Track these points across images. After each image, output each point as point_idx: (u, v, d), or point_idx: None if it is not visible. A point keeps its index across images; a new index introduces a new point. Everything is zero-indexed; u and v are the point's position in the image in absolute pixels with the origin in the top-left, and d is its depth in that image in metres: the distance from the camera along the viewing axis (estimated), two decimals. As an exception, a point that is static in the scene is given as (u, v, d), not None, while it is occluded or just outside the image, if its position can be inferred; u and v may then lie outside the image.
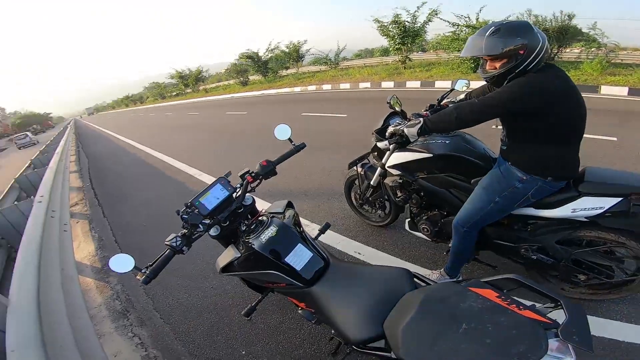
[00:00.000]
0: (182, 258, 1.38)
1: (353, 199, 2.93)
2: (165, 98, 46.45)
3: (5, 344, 1.23)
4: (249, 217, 1.52)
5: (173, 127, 14.55)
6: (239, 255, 1.34)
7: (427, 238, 2.18)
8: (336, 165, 4.66)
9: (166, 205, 4.76)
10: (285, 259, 1.24)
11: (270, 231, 1.29)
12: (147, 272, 1.21)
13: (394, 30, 13.37)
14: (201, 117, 15.45)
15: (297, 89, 17.11)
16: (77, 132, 22.85)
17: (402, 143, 1.79)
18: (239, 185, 1.51)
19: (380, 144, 2.19)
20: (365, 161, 2.60)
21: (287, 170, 4.80)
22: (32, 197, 3.25)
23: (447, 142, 1.91)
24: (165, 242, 1.28)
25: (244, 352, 2.05)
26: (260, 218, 1.44)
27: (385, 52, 26.45)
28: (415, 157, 2.00)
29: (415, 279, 1.22)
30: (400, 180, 2.18)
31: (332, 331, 1.32)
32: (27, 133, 37.99)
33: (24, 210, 3.01)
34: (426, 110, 2.22)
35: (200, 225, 1.33)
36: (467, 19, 10.81)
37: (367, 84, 13.05)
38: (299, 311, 1.45)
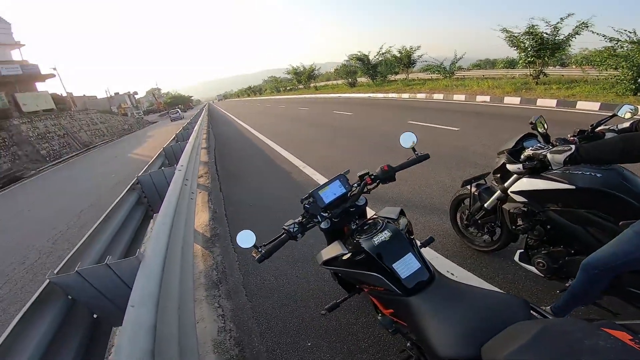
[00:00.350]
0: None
1: (458, 218, 2.77)
2: (280, 92, 50.96)
3: (129, 298, 1.42)
4: (358, 217, 1.55)
5: (285, 118, 15.90)
6: (346, 252, 1.35)
7: (540, 274, 1.97)
8: (441, 180, 4.31)
9: (271, 189, 5.21)
10: (393, 265, 1.21)
11: (384, 235, 1.27)
12: (263, 251, 1.33)
13: (527, 42, 12.05)
14: (310, 113, 16.42)
15: (405, 96, 16.59)
16: (210, 114, 27.00)
17: (537, 169, 1.67)
18: (356, 185, 1.55)
19: (512, 167, 1.95)
20: (482, 182, 2.45)
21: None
22: (174, 165, 3.88)
23: (598, 175, 1.64)
24: (283, 227, 1.41)
25: (309, 344, 2.08)
26: (374, 220, 1.43)
27: (510, 64, 23.52)
28: (551, 187, 1.78)
29: (532, 312, 1.08)
30: (525, 209, 1.97)
31: (408, 344, 1.30)
32: (178, 110, 47.28)
33: (167, 176, 3.62)
34: (574, 136, 1.98)
35: (318, 217, 1.43)
36: (631, 34, 8.83)
37: (486, 98, 11.77)
38: (379, 317, 1.43)
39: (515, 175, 1.93)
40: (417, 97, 15.51)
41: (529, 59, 12.25)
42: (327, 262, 1.45)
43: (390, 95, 17.99)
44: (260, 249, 1.35)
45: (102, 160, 15.47)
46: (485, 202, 2.25)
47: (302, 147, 8.07)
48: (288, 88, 47.94)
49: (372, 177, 1.55)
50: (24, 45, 28.96)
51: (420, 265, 1.21)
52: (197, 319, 2.45)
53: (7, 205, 9.57)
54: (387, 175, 1.55)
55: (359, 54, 23.90)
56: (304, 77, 37.56)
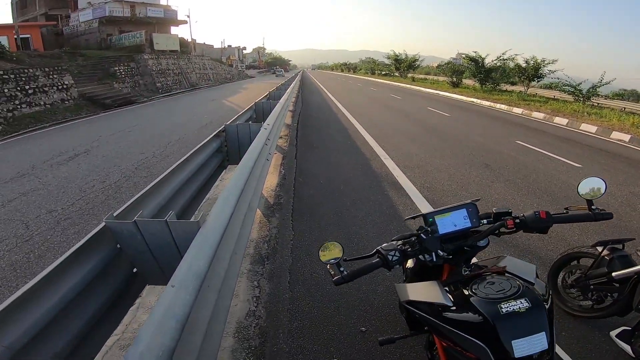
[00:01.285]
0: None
1: (561, 275, 2.41)
2: (374, 74, 49.62)
3: (180, 258, 1.28)
4: (467, 261, 1.20)
5: (374, 101, 15.28)
6: (450, 304, 1.04)
7: (633, 355, 1.81)
8: (555, 226, 3.46)
9: (346, 171, 4.92)
10: (513, 341, 0.91)
11: (519, 304, 0.95)
12: (345, 273, 1.06)
13: None
14: (402, 103, 15.49)
15: (517, 111, 14.44)
16: (302, 81, 27.56)
17: None
18: (485, 222, 1.23)
19: None
20: (619, 247, 2.08)
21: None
22: (261, 123, 3.78)
23: None
24: (380, 249, 1.12)
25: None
26: (501, 274, 1.08)
27: None
28: None
29: None
30: None
31: None
32: (281, 69, 55.82)
33: (252, 130, 3.55)
34: None
35: (433, 254, 1.13)
36: None
37: (625, 137, 9.47)
38: None
39: None
40: (533, 115, 13.35)
41: None
42: (413, 303, 1.15)
43: (499, 105, 15.87)
44: (342, 269, 1.06)
45: (201, 100, 16.93)
46: (615, 271, 1.96)
47: (387, 137, 7.52)
48: (383, 72, 46.40)
49: (518, 222, 1.18)
50: (170, -10, 32.79)
51: (547, 347, 0.91)
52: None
53: (115, 123, 11.02)
54: (540, 225, 1.17)
55: (473, 54, 21.56)
56: (404, 65, 35.74)
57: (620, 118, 11.79)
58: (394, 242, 1.16)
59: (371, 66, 54.04)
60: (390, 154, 5.95)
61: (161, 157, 6.20)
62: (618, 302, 2.05)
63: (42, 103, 13.05)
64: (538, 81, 20.23)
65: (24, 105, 12.30)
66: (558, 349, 1.92)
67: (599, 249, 2.11)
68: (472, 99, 18.38)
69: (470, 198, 4.00)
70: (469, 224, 1.18)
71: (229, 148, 3.64)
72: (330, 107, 12.54)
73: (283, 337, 1.99)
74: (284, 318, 2.14)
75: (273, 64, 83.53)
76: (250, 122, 3.69)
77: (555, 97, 17.76)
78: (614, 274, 1.97)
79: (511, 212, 1.21)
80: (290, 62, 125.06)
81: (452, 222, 1.18)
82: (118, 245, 1.58)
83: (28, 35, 21.63)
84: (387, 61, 41.58)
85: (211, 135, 3.29)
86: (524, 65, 19.54)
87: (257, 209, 3.54)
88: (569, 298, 2.36)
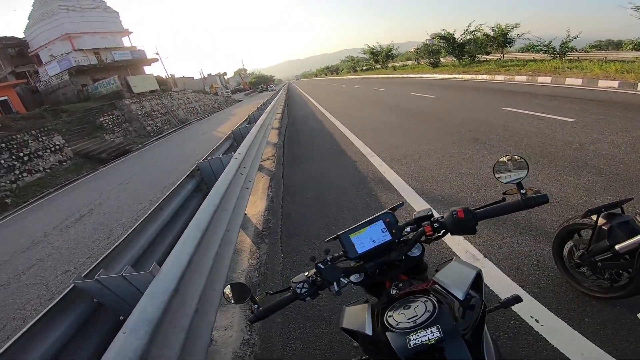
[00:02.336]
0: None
1: (565, 251, 2.06)
2: (357, 71, 49.76)
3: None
4: (409, 271, 1.07)
5: (358, 99, 15.27)
6: (370, 334, 0.91)
7: None
8: (546, 187, 3.31)
9: (332, 179, 4.89)
10: None
11: (428, 335, 0.78)
12: (258, 310, 1.05)
13: None
14: (385, 94, 15.46)
15: (500, 78, 14.30)
16: (288, 93, 27.73)
17: None
18: (408, 230, 1.08)
19: None
20: (617, 211, 1.74)
21: (471, 178, 3.87)
22: (232, 153, 3.78)
23: None
24: (292, 281, 1.09)
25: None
26: (422, 294, 0.92)
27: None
28: None
29: None
30: None
31: None
32: (272, 85, 60.41)
33: (224, 162, 3.55)
34: None
35: (334, 284, 1.04)
36: None
37: (613, 83, 9.27)
38: None
39: None
40: (516, 79, 13.19)
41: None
42: (346, 330, 1.02)
43: (481, 76, 15.74)
44: (257, 305, 1.04)
45: (192, 136, 17.13)
46: (618, 243, 1.63)
47: (372, 133, 7.48)
48: (365, 68, 46.51)
49: (436, 226, 1.03)
50: (132, 32, 33.53)
51: None
52: (226, 324, 2.33)
53: (113, 177, 11.20)
54: (462, 225, 1.01)
55: (442, 32, 21.60)
56: (382, 57, 35.85)
57: (602, 67, 11.61)
58: (307, 273, 1.09)
59: (352, 64, 54.25)
60: (376, 150, 5.90)
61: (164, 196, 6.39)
62: (635, 279, 1.71)
63: (41, 169, 13.30)
64: (510, 46, 20.24)
65: (25, 174, 12.54)
66: (583, 339, 1.72)
67: (594, 217, 1.79)
68: (454, 75, 18.28)
69: (461, 179, 3.99)
70: (388, 237, 1.05)
71: (208, 186, 3.64)
72: (316, 116, 12.57)
73: (277, 362, 1.98)
74: (277, 343, 2.13)
75: (257, 83, 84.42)
76: (221, 155, 3.68)
77: (534, 58, 17.64)
78: (617, 246, 1.65)
79: (431, 215, 1.07)
80: (274, 77, 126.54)
81: (369, 239, 1.06)
82: (95, 300, 1.69)
83: (5, 97, 21.56)
84: (365, 56, 41.75)
85: (183, 177, 3.29)
86: (491, 34, 19.63)
87: (248, 237, 3.54)
88: (583, 278, 2.01)
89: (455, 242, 2.72)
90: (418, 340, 0.77)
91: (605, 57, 15.52)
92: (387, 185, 4.22)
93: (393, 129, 7.51)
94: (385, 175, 4.57)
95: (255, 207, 4.36)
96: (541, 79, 11.97)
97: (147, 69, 33.66)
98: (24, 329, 1.34)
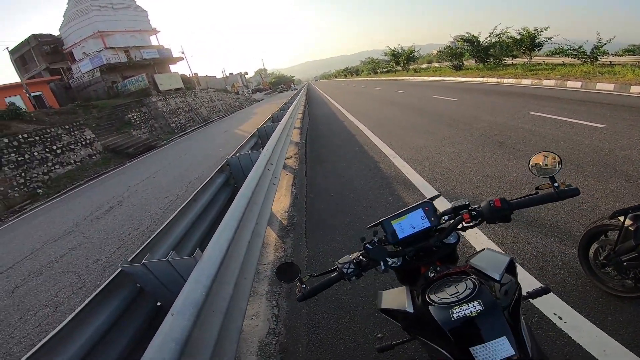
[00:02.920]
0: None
1: (591, 252, 2.13)
2: (377, 73, 49.47)
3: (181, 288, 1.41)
4: (443, 258, 1.15)
5: (379, 101, 15.24)
6: (411, 311, 1.00)
7: None
8: (583, 195, 3.32)
9: (355, 179, 4.96)
10: (472, 348, 0.82)
11: (470, 308, 0.85)
12: (306, 290, 1.12)
13: None
14: (407, 96, 15.36)
15: (527, 82, 13.91)
16: (308, 94, 27.94)
17: None
18: (446, 218, 1.16)
19: None
20: None
21: (505, 182, 3.86)
22: (260, 149, 3.93)
23: None
24: (337, 263, 1.16)
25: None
26: (461, 275, 1.00)
27: None
28: None
29: None
30: None
31: None
32: (293, 85, 63.24)
33: (253, 159, 3.69)
34: None
35: (381, 263, 1.11)
36: None
37: (648, 88, 8.89)
38: None
39: None
40: (544, 84, 12.81)
41: None
42: (386, 311, 1.13)
43: (506, 80, 15.36)
44: (304, 285, 1.13)
45: (214, 133, 17.58)
46: None
47: (394, 134, 7.50)
48: (385, 70, 46.16)
49: (474, 214, 1.12)
50: (160, 31, 34.53)
51: (514, 353, 0.80)
52: (252, 314, 2.41)
53: (140, 171, 11.66)
54: (498, 214, 1.09)
55: (466, 35, 21.18)
56: (403, 59, 35.48)
57: (635, 72, 11.10)
58: (351, 255, 1.17)
59: (372, 66, 53.90)
60: (398, 151, 5.93)
61: (184, 198, 6.56)
62: None
63: (72, 161, 14.01)
64: (538, 50, 19.57)
65: (57, 166, 13.24)
66: (606, 337, 1.76)
67: (621, 219, 1.86)
68: (478, 79, 17.91)
69: (485, 182, 3.99)
70: (427, 224, 1.13)
71: (236, 180, 3.80)
72: (337, 116, 12.66)
73: (302, 351, 2.07)
74: (303, 333, 2.21)
75: (277, 83, 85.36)
76: (249, 151, 3.83)
77: (564, 62, 17.01)
78: None
79: (469, 204, 1.15)
80: (294, 77, 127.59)
81: (409, 225, 1.14)
82: (138, 285, 1.79)
83: (40, 93, 22.72)
84: (386, 58, 41.47)
85: (214, 172, 3.46)
86: (518, 37, 19.05)
87: (273, 232, 3.66)
88: (607, 278, 2.08)
89: (479, 242, 2.75)
90: (461, 313, 0.84)
91: (639, 62, 14.84)
92: (410, 186, 4.26)
93: (415, 131, 7.50)
94: (408, 177, 4.60)
95: (280, 203, 4.48)
96: (570, 84, 11.58)
97: (173, 68, 34.68)
98: (73, 314, 1.42)
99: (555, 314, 1.93)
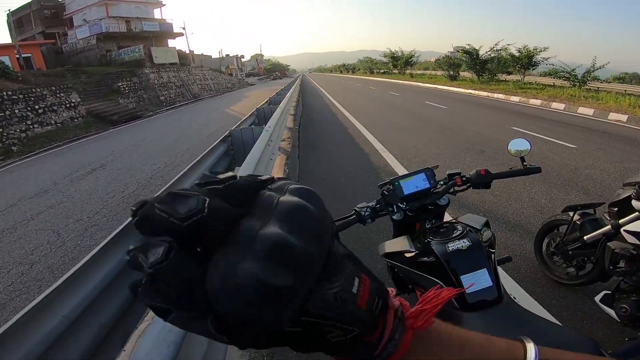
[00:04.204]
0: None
1: (545, 244, 2.55)
2: (373, 73, 49.82)
3: None
4: (435, 217, 1.42)
5: (373, 99, 15.54)
6: (413, 250, 1.24)
7: (617, 318, 1.85)
8: (536, 197, 3.73)
9: (346, 167, 5.19)
10: (461, 277, 1.08)
11: (461, 243, 1.12)
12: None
13: None
14: (401, 99, 15.72)
15: (515, 99, 14.57)
16: (302, 85, 27.90)
17: None
18: (442, 183, 1.42)
19: (638, 204, 1.76)
20: (590, 211, 2.25)
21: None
22: (263, 125, 4.09)
23: None
24: (355, 208, 1.33)
25: None
26: (452, 224, 1.28)
27: None
28: None
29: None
30: (634, 252, 1.82)
31: None
32: (280, 75, 64.02)
33: (255, 134, 3.86)
34: None
35: (394, 207, 1.33)
36: None
37: (622, 117, 9.58)
38: None
39: (637, 213, 1.75)
40: (530, 102, 13.48)
41: None
42: (389, 255, 1.37)
43: (496, 95, 16.01)
44: None
45: (204, 111, 17.37)
46: (586, 234, 2.07)
47: (385, 131, 7.79)
48: (382, 71, 46.57)
49: (464, 179, 1.39)
50: (165, 5, 33.53)
51: (491, 284, 1.07)
52: None
53: (125, 138, 11.43)
54: (482, 180, 1.37)
55: (467, 46, 21.74)
56: (401, 62, 35.90)
57: (617, 100, 11.88)
58: (368, 203, 1.36)
59: (369, 65, 54.13)
60: (388, 147, 6.22)
61: (172, 167, 6.56)
62: (596, 266, 2.14)
63: (53, 122, 13.54)
64: (533, 69, 20.33)
65: (36, 125, 12.77)
66: (551, 318, 2.03)
67: (570, 214, 2.24)
68: (470, 91, 18.52)
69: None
70: (427, 185, 1.36)
71: (235, 151, 3.95)
72: (330, 109, 12.85)
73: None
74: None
75: (272, 70, 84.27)
76: (252, 126, 3.99)
77: (554, 84, 17.83)
78: (585, 237, 2.07)
79: (461, 172, 1.41)
80: (289, 66, 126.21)
81: (414, 185, 1.36)
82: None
83: (29, 55, 22.17)
84: (384, 59, 41.78)
85: (218, 140, 3.60)
86: (517, 54, 19.67)
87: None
88: (555, 267, 2.46)
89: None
90: (455, 247, 1.11)
91: (625, 90, 15.77)
92: (397, 178, 4.55)
93: (406, 131, 7.82)
94: (395, 169, 4.90)
95: (272, 180, 4.67)
96: (555, 105, 12.27)
97: (171, 42, 33.81)
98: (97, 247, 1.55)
99: (510, 294, 2.24)
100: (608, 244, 1.92)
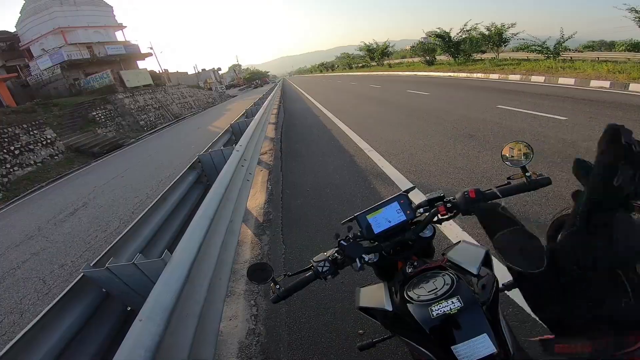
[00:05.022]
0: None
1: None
2: (352, 68, 49.77)
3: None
4: (419, 252, 1.12)
5: (354, 95, 15.32)
6: (390, 309, 0.97)
7: None
8: (549, 187, 3.47)
9: (331, 174, 4.92)
10: (453, 347, 0.80)
11: (449, 305, 0.83)
12: (280, 291, 1.07)
13: None
14: (382, 91, 15.53)
15: (494, 77, 14.47)
16: (284, 89, 27.61)
17: None
18: (421, 211, 1.13)
19: None
20: None
21: (474, 172, 3.96)
22: (233, 145, 3.81)
23: None
24: (312, 261, 1.11)
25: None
26: (439, 270, 0.97)
27: (635, 47, 19.03)
28: None
29: None
30: None
31: None
32: (261, 83, 65.14)
33: (225, 155, 3.57)
34: None
35: (357, 260, 1.06)
36: None
37: (605, 83, 9.47)
38: None
39: None
40: (510, 78, 13.38)
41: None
42: (365, 310, 1.10)
43: (476, 75, 15.91)
44: (278, 286, 1.07)
45: (186, 131, 17.01)
46: None
47: (369, 128, 7.54)
48: (360, 65, 46.55)
49: (449, 205, 1.09)
50: (126, 27, 33.08)
51: (495, 351, 0.79)
52: (231, 315, 2.34)
53: (107, 171, 11.06)
54: (473, 205, 1.06)
55: (438, 30, 21.76)
56: (377, 54, 35.88)
57: (594, 67, 11.82)
58: (327, 252, 1.12)
59: (347, 61, 54.10)
60: (374, 145, 5.97)
61: (155, 197, 6.27)
62: None
63: (32, 162, 13.09)
64: (505, 46, 20.51)
65: (16, 168, 12.33)
66: None
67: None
68: (449, 74, 18.43)
69: (458, 174, 4.08)
70: (403, 217, 1.09)
71: (208, 177, 3.66)
72: (313, 111, 12.59)
73: (284, 351, 2.01)
74: (283, 332, 2.16)
75: (252, 79, 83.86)
76: (222, 148, 3.70)
77: (528, 58, 17.90)
78: None
79: (443, 196, 1.13)
80: (269, 73, 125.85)
81: (385, 219, 1.10)
82: (104, 290, 1.69)
83: None
84: (361, 53, 41.75)
85: (185, 169, 3.31)
86: (487, 33, 19.81)
87: (249, 229, 3.57)
88: None
89: (454, 234, 2.80)
90: (440, 311, 0.81)
91: (598, 58, 15.82)
92: (386, 179, 4.29)
93: (390, 125, 7.58)
94: (383, 169, 4.64)
95: (255, 199, 4.38)
96: (534, 78, 12.16)
97: (141, 64, 33.36)
98: (34, 321, 1.34)
99: (524, 339, 1.98)
100: None
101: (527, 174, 1.07)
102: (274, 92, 17.04)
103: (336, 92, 19.48)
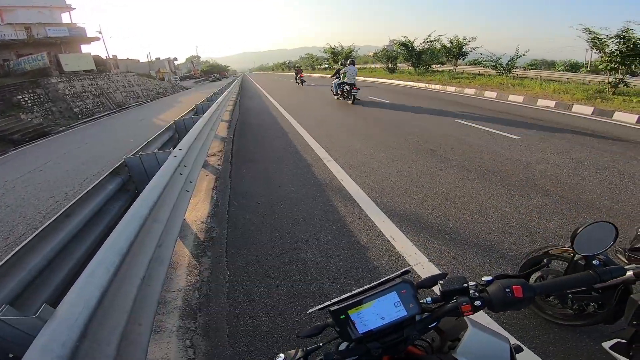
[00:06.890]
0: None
1: (533, 279, 1.99)
2: (315, 69, 49.62)
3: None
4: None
5: (315, 97, 14.93)
6: None
7: None
8: (500, 207, 3.36)
9: (286, 184, 4.43)
10: None
11: None
12: None
13: (615, 46, 10.62)
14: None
15: (451, 89, 15.04)
16: (242, 85, 26.42)
17: None
18: (429, 300, 0.81)
19: None
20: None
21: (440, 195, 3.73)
22: (170, 149, 3.16)
23: None
24: None
25: None
26: None
27: (572, 67, 21.24)
28: None
29: None
30: None
31: None
32: (219, 76, 62.36)
33: (160, 160, 2.92)
34: None
35: None
36: None
37: (550, 103, 10.19)
38: None
39: None
40: (465, 92, 13.96)
41: (612, 65, 10.74)
42: None
43: (434, 86, 16.44)
44: None
45: (128, 121, 15.36)
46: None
47: (329, 135, 7.16)
48: (323, 67, 46.54)
49: (477, 303, 0.76)
50: (74, 8, 29.81)
51: None
52: (159, 356, 1.83)
53: (25, 162, 9.48)
54: (516, 305, 0.76)
55: (403, 39, 22.29)
56: (341, 58, 36.13)
57: (542, 86, 12.76)
58: (292, 352, 0.76)
59: (311, 62, 53.87)
60: (333, 154, 5.59)
61: (75, 199, 5.29)
62: (604, 311, 1.73)
63: None
64: (463, 59, 21.60)
65: None
66: None
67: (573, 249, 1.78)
68: (409, 83, 18.90)
69: (421, 193, 3.80)
70: (403, 313, 0.75)
71: (137, 186, 2.97)
72: (270, 111, 11.96)
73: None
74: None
75: (210, 72, 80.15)
76: (156, 151, 3.04)
77: (481, 72, 19.02)
78: (596, 285, 1.61)
79: (466, 286, 0.78)
80: (229, 67, 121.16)
81: (377, 315, 0.75)
82: None
83: None
84: (325, 55, 41.71)
85: (105, 175, 2.61)
86: (449, 45, 20.65)
87: (186, 248, 2.97)
88: (547, 306, 2.01)
89: (413, 258, 2.50)
90: None
91: (541, 76, 17.26)
92: (346, 196, 3.91)
93: (349, 133, 7.28)
94: (343, 184, 4.26)
95: (197, 211, 3.75)
96: (487, 94, 12.79)
97: (87, 48, 30.42)
98: None
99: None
100: (632, 296, 1.47)
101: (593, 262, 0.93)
102: (231, 87, 16.08)
103: (296, 93, 18.97)
